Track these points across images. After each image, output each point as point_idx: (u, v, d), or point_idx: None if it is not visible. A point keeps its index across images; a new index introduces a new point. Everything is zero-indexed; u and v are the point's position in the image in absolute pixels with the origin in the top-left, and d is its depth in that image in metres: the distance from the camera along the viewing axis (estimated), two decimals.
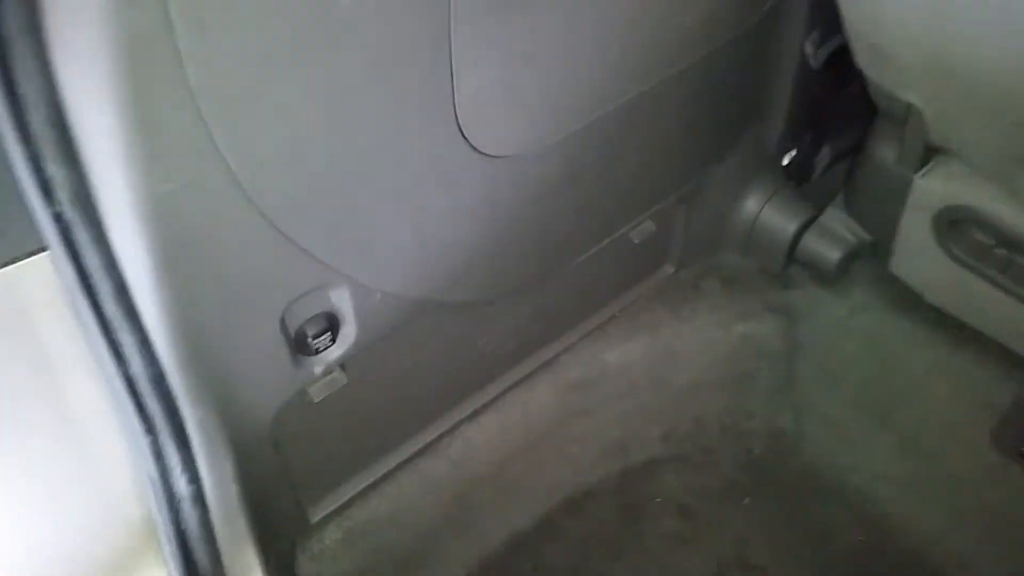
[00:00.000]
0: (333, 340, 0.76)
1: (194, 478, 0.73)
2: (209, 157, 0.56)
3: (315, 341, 0.75)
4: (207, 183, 0.57)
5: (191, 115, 0.52)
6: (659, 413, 1.23)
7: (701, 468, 1.28)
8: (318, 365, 0.77)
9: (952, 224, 0.98)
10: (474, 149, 0.72)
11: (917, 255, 1.04)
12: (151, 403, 0.67)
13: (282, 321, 0.71)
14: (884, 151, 1.01)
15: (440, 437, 0.99)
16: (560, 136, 0.79)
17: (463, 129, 0.70)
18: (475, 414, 1.01)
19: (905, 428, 1.16)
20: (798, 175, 1.18)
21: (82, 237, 0.54)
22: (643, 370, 1.15)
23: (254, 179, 0.59)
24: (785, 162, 1.16)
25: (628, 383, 1.15)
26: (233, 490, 0.75)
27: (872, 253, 1.16)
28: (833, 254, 1.13)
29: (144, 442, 0.69)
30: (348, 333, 0.77)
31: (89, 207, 0.53)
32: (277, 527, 0.88)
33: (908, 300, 1.12)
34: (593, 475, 1.23)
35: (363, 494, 0.96)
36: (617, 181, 0.92)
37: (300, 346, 0.74)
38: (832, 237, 1.13)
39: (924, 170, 0.98)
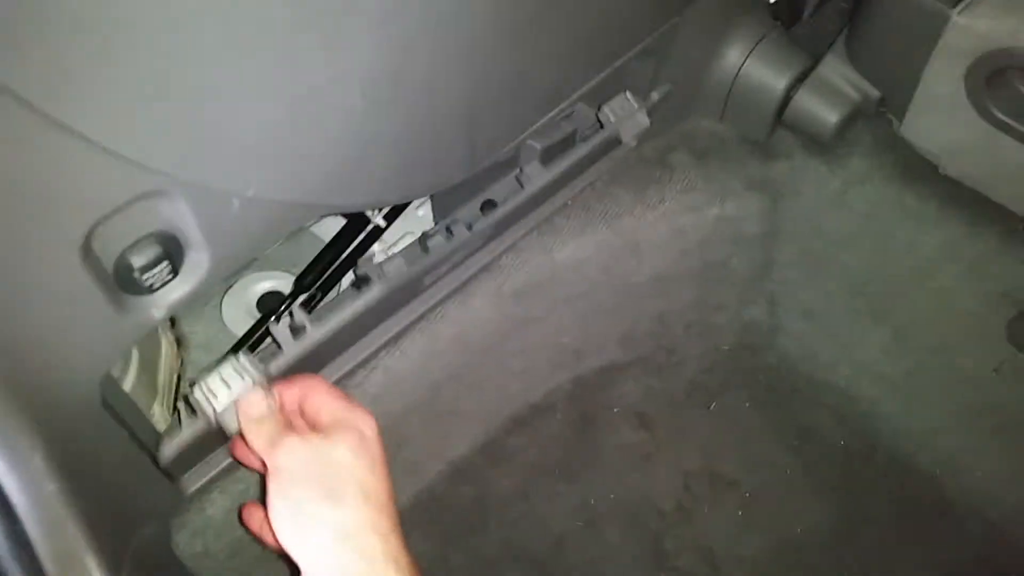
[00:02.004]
0: (175, 271, 0.52)
1: None
2: None
3: (146, 275, 0.51)
4: None
5: None
6: (617, 313, 1.04)
7: (662, 371, 1.12)
8: (157, 307, 0.53)
9: (993, 75, 0.77)
10: None
11: (940, 114, 0.84)
12: None
13: (86, 250, 0.46)
14: None
15: (353, 371, 0.78)
16: None
17: None
18: (396, 339, 0.80)
19: (903, 320, 0.99)
20: (786, 16, 0.94)
21: None
22: (600, 267, 0.95)
23: None
24: None
25: (582, 283, 0.95)
26: (50, 488, 0.52)
27: (877, 113, 0.95)
28: (831, 115, 0.91)
29: None
30: (197, 260, 0.53)
31: None
32: (140, 508, 0.67)
33: (917, 171, 0.93)
34: (541, 388, 1.06)
35: None
36: (570, 28, 0.68)
37: (125, 283, 0.51)
38: (830, 93, 0.92)
39: (963, 4, 0.76)
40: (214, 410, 0.56)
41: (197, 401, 0.56)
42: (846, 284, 1.03)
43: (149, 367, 0.69)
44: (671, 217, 0.95)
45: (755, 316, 1.11)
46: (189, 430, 0.58)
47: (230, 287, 0.80)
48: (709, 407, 1.11)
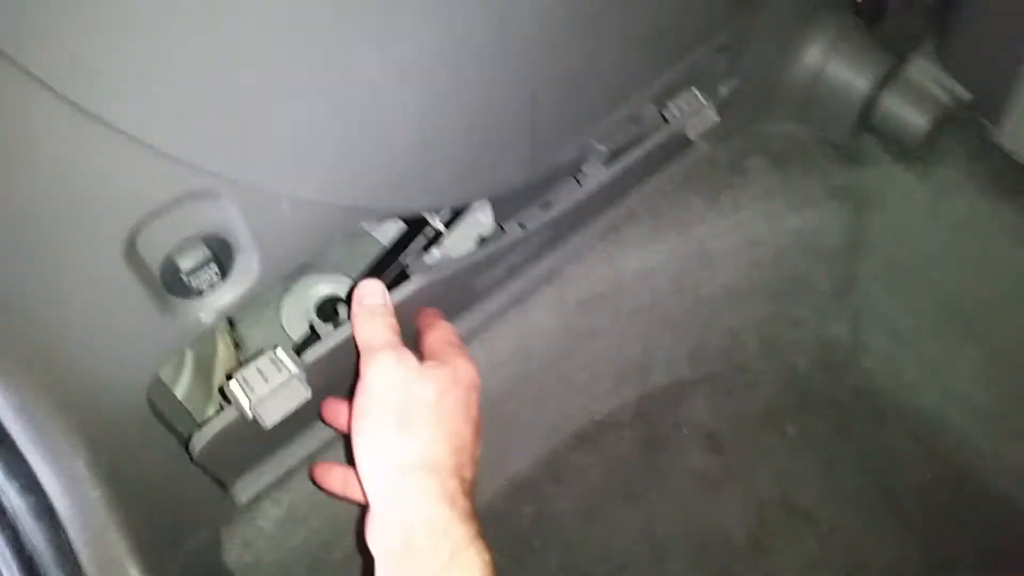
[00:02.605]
0: (223, 274, 0.51)
1: (30, 485, 0.49)
2: None
3: (193, 278, 0.50)
4: None
5: None
6: (687, 327, 0.99)
7: (736, 390, 1.06)
8: (206, 311, 0.51)
9: None
10: None
11: None
12: None
13: (130, 250, 0.45)
14: None
15: None
16: None
17: None
18: None
19: (998, 343, 0.92)
20: (869, 13, 0.89)
21: None
22: (669, 278, 0.91)
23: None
24: None
25: (650, 295, 0.91)
26: (93, 494, 0.51)
27: (970, 118, 0.89)
28: (920, 119, 0.86)
29: None
30: (247, 263, 0.51)
31: None
32: (190, 517, 0.65)
33: (1015, 181, 0.86)
34: (607, 404, 1.02)
35: (310, 460, 0.72)
36: (636, 20, 0.64)
37: (172, 286, 0.49)
38: (919, 96, 0.86)
39: None
40: (250, 402, 0.54)
41: (232, 393, 0.54)
42: (936, 302, 0.96)
43: (204, 370, 0.67)
44: (746, 226, 0.90)
45: (836, 334, 1.05)
46: (221, 420, 0.56)
47: (288, 290, 0.79)
48: (785, 431, 1.05)
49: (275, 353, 0.56)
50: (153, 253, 0.47)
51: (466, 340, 0.78)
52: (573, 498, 0.99)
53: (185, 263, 0.48)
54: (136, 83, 0.39)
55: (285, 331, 0.76)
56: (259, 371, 0.55)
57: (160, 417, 0.56)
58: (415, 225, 0.78)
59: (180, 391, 0.63)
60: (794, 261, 0.96)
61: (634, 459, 1.02)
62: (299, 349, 0.74)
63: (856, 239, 0.95)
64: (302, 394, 0.56)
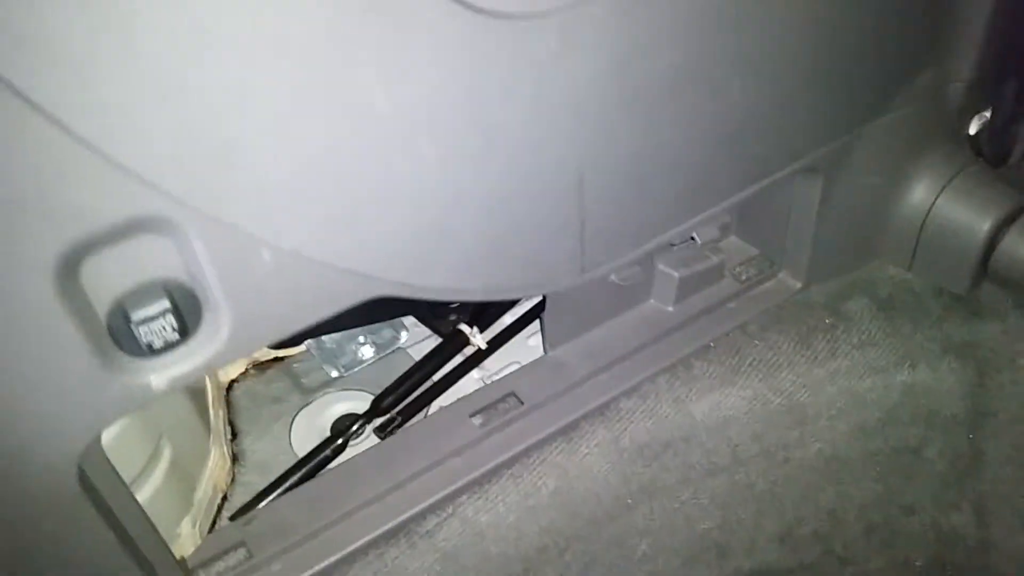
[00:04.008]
0: (182, 332, 0.43)
1: None
2: None
3: (145, 327, 0.42)
4: None
5: None
6: (774, 500, 0.84)
7: None
8: (157, 375, 0.43)
9: None
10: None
11: None
12: None
13: (65, 278, 0.38)
14: None
15: (423, 514, 0.63)
16: None
17: None
18: (480, 481, 0.66)
19: None
20: (992, 152, 0.79)
21: None
22: (749, 433, 0.77)
23: None
24: (973, 130, 0.78)
25: (726, 451, 0.77)
26: None
27: None
28: None
29: None
30: (214, 323, 0.43)
31: None
32: None
33: None
34: None
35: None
36: (711, 131, 0.57)
37: (119, 337, 0.42)
38: None
39: None
40: None
41: None
42: None
43: (185, 473, 0.59)
44: (845, 377, 0.77)
45: (958, 525, 0.87)
46: None
47: (306, 405, 0.70)
48: None
49: None
50: (101, 293, 0.40)
51: (495, 473, 0.67)
52: None
53: (136, 310, 0.41)
54: (86, 70, 0.34)
55: (292, 448, 0.67)
56: None
57: (95, 501, 0.47)
58: (452, 340, 0.70)
59: (148, 488, 0.54)
60: (905, 430, 0.81)
61: None
62: (299, 464, 0.64)
63: (980, 408, 0.80)
64: None
